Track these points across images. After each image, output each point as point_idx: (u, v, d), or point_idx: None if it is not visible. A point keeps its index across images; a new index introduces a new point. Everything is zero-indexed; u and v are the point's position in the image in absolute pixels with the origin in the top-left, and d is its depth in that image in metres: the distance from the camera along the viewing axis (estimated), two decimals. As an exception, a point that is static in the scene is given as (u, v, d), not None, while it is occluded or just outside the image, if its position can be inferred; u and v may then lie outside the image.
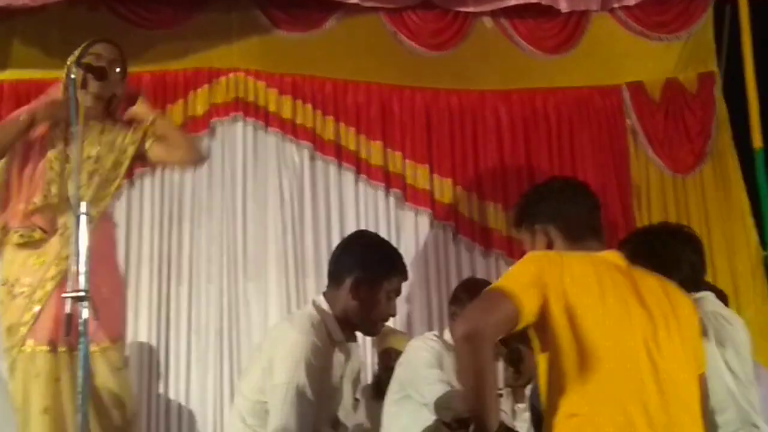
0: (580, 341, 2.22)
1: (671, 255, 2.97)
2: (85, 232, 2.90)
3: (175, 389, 4.76)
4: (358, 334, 3.17)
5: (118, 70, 3.57)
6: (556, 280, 2.24)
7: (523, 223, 2.58)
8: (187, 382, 4.77)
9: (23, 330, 3.27)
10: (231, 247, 4.97)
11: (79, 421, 2.85)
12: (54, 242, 3.36)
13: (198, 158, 3.87)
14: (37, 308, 3.28)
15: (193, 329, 4.84)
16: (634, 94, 5.44)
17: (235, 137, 5.09)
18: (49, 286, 3.30)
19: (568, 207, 2.50)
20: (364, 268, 3.02)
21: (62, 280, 3.27)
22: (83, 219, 2.90)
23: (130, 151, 3.58)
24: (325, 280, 4.80)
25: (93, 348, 3.25)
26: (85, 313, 2.87)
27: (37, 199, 3.39)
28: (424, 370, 3.61)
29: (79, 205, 2.90)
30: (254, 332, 4.86)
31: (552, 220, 2.49)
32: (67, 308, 2.91)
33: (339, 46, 5.24)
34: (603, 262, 2.37)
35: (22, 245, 3.38)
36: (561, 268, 2.27)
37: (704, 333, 2.75)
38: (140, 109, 3.64)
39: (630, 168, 5.38)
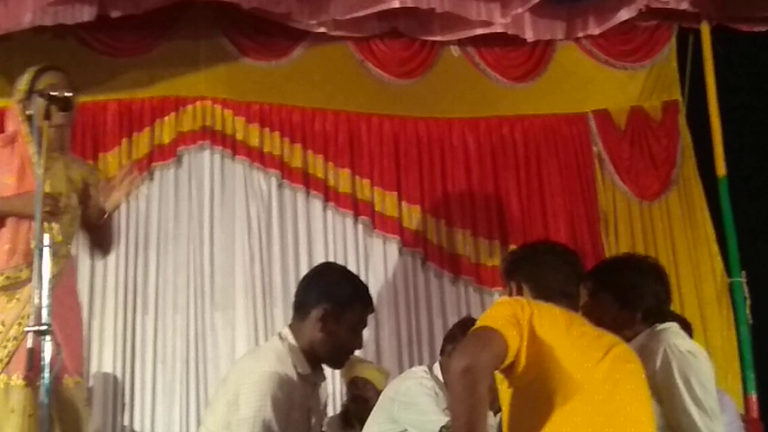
0: (547, 374, 2.27)
1: (634, 286, 2.98)
2: (47, 265, 2.88)
3: (140, 420, 4.71)
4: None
5: (71, 93, 3.43)
6: (527, 319, 2.33)
7: (504, 275, 2.83)
8: (153, 413, 4.72)
9: None
10: (198, 277, 4.93)
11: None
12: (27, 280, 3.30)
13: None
14: (11, 346, 3.24)
15: (159, 359, 4.80)
16: (600, 122, 5.49)
17: (203, 165, 5.07)
18: (25, 323, 3.20)
19: (544, 272, 2.68)
20: (331, 301, 2.99)
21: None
22: (46, 252, 2.87)
23: (91, 191, 3.58)
24: (291, 309, 4.88)
25: (70, 381, 3.27)
26: (48, 348, 2.85)
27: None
28: (428, 417, 3.66)
29: (41, 239, 2.88)
30: (221, 362, 4.82)
31: (527, 280, 2.69)
32: (30, 342, 2.89)
33: (307, 75, 5.26)
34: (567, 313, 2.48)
35: (3, 288, 3.33)
36: (531, 309, 2.38)
37: (668, 367, 2.77)
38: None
39: (597, 195, 5.42)
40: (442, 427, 3.56)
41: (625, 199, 5.42)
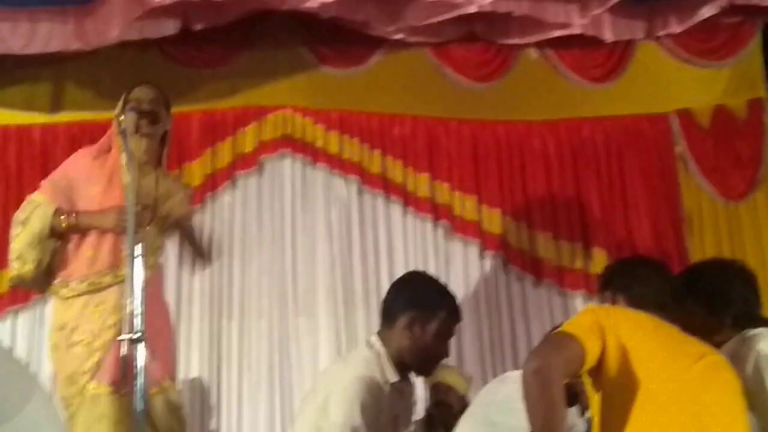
0: (633, 376, 2.27)
1: (722, 291, 2.94)
2: (140, 274, 2.96)
3: (227, 425, 4.78)
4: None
5: (157, 107, 3.63)
6: (612, 324, 2.33)
7: (599, 287, 2.91)
8: (239, 418, 4.79)
9: (84, 378, 3.30)
10: (281, 282, 5.00)
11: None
12: (114, 291, 3.38)
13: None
14: (98, 356, 3.31)
15: (245, 365, 4.87)
16: (683, 122, 5.39)
17: (283, 173, 5.14)
18: (110, 333, 3.31)
19: (637, 283, 2.72)
20: (418, 307, 3.04)
21: (122, 327, 3.31)
22: (138, 261, 2.96)
23: (176, 212, 3.69)
24: (374, 314, 4.92)
25: (153, 389, 3.31)
26: (141, 355, 2.92)
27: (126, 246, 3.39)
28: None
29: (134, 248, 2.96)
30: (305, 366, 4.89)
31: (621, 290, 2.73)
32: (123, 350, 2.97)
33: (384, 81, 5.29)
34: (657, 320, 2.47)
35: (83, 293, 3.41)
36: (616, 315, 2.40)
37: (759, 374, 2.72)
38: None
39: (681, 196, 5.33)
40: None
41: (710, 200, 5.30)
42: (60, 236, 3.49)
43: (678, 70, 5.45)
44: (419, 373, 3.19)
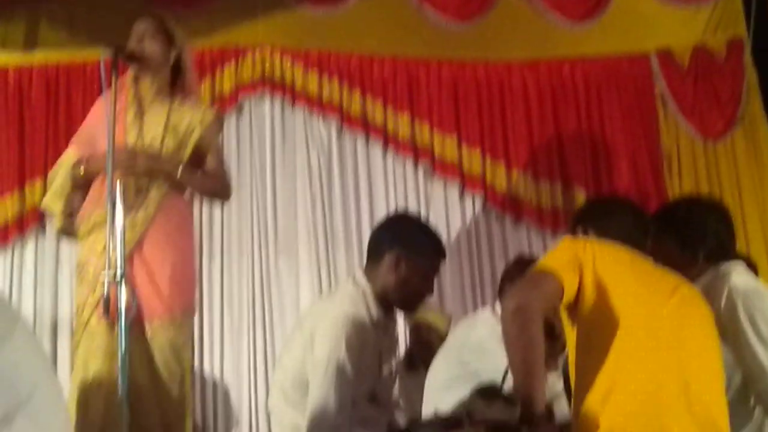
0: (610, 311, 2.28)
1: (696, 226, 2.97)
2: (120, 215, 2.97)
3: (209, 361, 4.83)
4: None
5: (147, 39, 3.52)
6: (589, 257, 2.34)
7: (572, 223, 2.90)
8: (222, 355, 4.83)
9: (88, 312, 3.30)
10: (261, 222, 5.01)
11: (120, 395, 2.92)
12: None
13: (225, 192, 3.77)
14: (100, 291, 3.26)
15: (226, 303, 4.91)
16: (663, 61, 5.39)
17: (263, 114, 5.12)
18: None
19: (611, 219, 2.72)
20: (405, 245, 3.10)
21: (127, 261, 3.28)
22: (119, 203, 2.97)
23: (197, 133, 3.55)
24: (354, 253, 4.96)
25: (154, 324, 3.32)
26: (124, 294, 2.94)
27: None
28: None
29: (114, 190, 2.96)
30: (286, 305, 4.93)
31: (594, 227, 2.74)
32: (106, 289, 2.99)
33: (364, 21, 5.23)
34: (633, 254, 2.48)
35: (92, 231, 3.40)
36: (593, 248, 2.39)
37: (732, 306, 2.77)
38: None
39: (660, 135, 5.34)
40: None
41: (689, 138, 5.32)
42: (84, 185, 3.49)
43: (658, 8, 5.42)
44: (404, 309, 3.24)
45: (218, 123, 3.69)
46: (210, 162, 3.61)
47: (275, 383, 3.15)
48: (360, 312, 3.01)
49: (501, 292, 4.00)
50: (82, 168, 3.48)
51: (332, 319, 2.95)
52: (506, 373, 3.60)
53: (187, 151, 3.53)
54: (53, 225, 3.68)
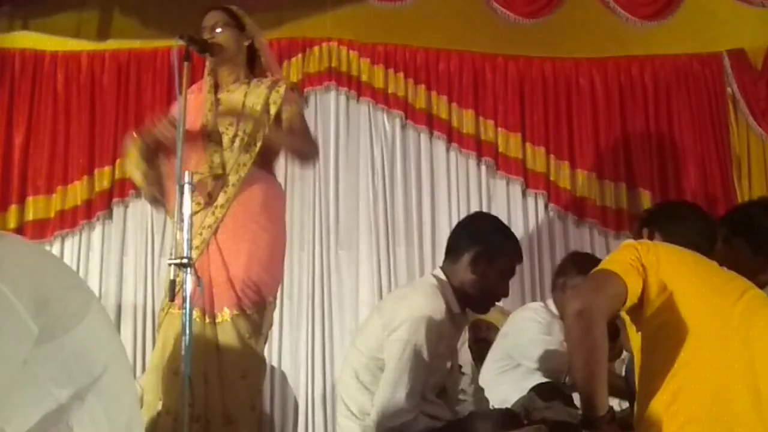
0: (675, 313, 2.24)
1: (768, 230, 2.91)
2: (188, 200, 2.99)
3: (267, 353, 4.84)
4: None
5: (219, 30, 3.50)
6: (653, 259, 2.29)
7: (639, 225, 2.89)
8: (280, 346, 4.88)
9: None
10: (323, 215, 5.05)
11: (182, 385, 2.93)
12: (199, 215, 3.29)
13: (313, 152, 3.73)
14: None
15: (286, 294, 4.94)
16: (735, 62, 5.28)
17: (328, 106, 5.15)
18: (193, 255, 3.14)
19: (678, 224, 2.75)
20: (484, 244, 3.12)
21: (205, 248, 3.31)
22: (186, 188, 2.99)
23: (273, 110, 3.49)
24: (414, 249, 4.96)
25: (225, 315, 3.30)
26: (189, 280, 2.96)
27: (203, 170, 3.37)
28: (537, 336, 3.73)
29: (182, 176, 2.99)
30: (345, 298, 4.96)
31: (660, 230, 2.75)
32: (172, 274, 3.00)
33: (431, 15, 5.24)
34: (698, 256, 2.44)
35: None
36: (657, 250, 2.34)
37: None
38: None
39: (730, 137, 5.24)
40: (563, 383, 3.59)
41: (760, 142, 5.21)
42: (149, 157, 3.45)
43: (732, 8, 5.32)
44: (477, 309, 3.25)
45: (295, 93, 3.66)
46: (294, 128, 3.56)
47: (347, 365, 3.17)
48: (440, 304, 3.04)
49: (554, 286, 4.00)
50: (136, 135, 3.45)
51: (414, 307, 3.00)
52: (567, 373, 3.60)
53: (266, 128, 3.47)
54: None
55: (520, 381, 3.71)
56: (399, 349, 2.92)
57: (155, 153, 3.46)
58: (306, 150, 3.64)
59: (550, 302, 3.97)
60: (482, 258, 3.10)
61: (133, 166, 3.49)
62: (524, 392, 3.62)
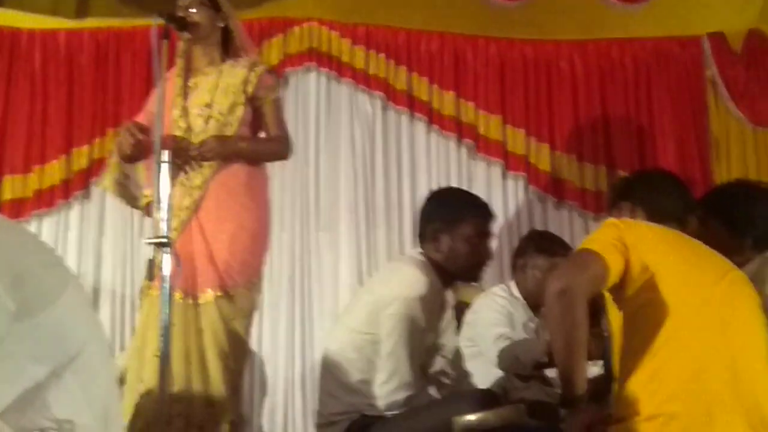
0: (656, 293, 2.26)
1: (745, 211, 2.93)
2: (166, 179, 2.98)
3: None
4: None
5: (193, 10, 3.48)
6: (634, 239, 2.31)
7: (616, 197, 2.84)
8: (260, 329, 4.84)
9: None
10: (303, 197, 5.03)
11: (159, 365, 2.93)
12: (175, 193, 3.23)
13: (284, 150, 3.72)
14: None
15: (266, 276, 4.89)
16: (715, 45, 5.28)
17: (308, 87, 5.12)
18: (172, 236, 3.15)
19: (658, 196, 2.72)
20: (439, 219, 3.12)
21: (184, 229, 3.31)
22: (164, 167, 2.98)
23: (250, 89, 3.50)
24: (394, 230, 4.98)
25: (208, 296, 3.30)
26: (167, 260, 2.95)
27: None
28: (489, 329, 3.60)
29: (160, 154, 2.97)
30: (325, 280, 4.94)
31: (641, 203, 2.70)
32: (150, 254, 2.99)
33: (412, -4, 5.20)
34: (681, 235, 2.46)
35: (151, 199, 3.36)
36: (639, 229, 2.37)
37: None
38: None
39: (709, 120, 5.26)
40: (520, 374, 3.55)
41: (739, 125, 5.22)
42: (130, 159, 3.46)
43: (712, -9, 5.34)
44: (466, 278, 3.26)
45: (273, 76, 3.66)
46: (267, 117, 3.57)
47: (334, 343, 3.17)
48: (429, 279, 3.08)
49: (514, 268, 3.98)
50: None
51: (408, 278, 3.04)
52: (549, 354, 3.60)
53: (242, 107, 3.49)
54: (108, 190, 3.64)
55: (485, 366, 3.61)
56: (394, 322, 2.93)
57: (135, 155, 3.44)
58: (276, 152, 3.67)
59: (513, 285, 3.94)
60: (442, 232, 3.12)
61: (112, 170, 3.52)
62: (490, 378, 3.58)
